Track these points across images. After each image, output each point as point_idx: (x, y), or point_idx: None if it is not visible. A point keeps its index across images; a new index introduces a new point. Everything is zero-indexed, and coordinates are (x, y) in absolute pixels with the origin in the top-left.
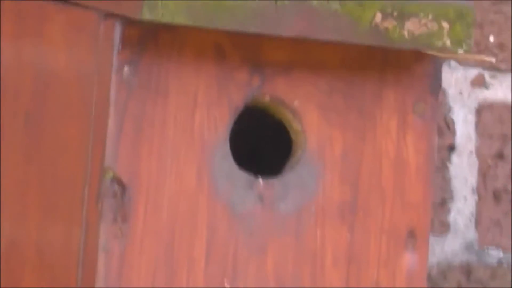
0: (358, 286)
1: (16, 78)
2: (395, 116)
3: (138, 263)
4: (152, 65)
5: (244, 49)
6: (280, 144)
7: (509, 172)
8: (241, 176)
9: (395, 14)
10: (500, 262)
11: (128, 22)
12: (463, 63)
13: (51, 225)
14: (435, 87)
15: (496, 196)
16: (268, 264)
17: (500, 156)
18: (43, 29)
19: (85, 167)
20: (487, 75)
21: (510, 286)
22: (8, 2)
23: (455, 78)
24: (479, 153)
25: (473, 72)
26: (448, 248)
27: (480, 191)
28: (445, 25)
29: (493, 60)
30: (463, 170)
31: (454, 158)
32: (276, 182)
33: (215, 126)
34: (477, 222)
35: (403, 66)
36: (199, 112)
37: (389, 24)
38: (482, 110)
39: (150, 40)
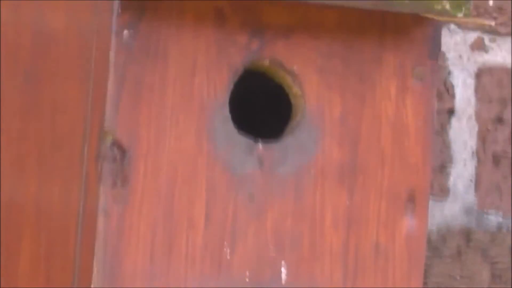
0: (357, 249)
1: (15, 37)
2: (394, 80)
3: (137, 225)
4: (151, 29)
5: (244, 13)
6: (280, 108)
7: (509, 135)
8: (241, 139)
9: None
10: (499, 226)
11: None
12: (462, 26)
13: (50, 184)
14: (435, 51)
15: (496, 160)
16: (268, 226)
17: (499, 120)
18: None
19: (84, 127)
20: (486, 38)
21: (509, 250)
22: None
23: (454, 42)
24: (478, 117)
25: (473, 36)
26: (448, 212)
27: (479, 155)
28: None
29: (493, 23)
30: (463, 134)
31: (454, 122)
32: (275, 146)
33: (214, 89)
34: (477, 186)
35: (402, 30)
36: (198, 75)
37: None
38: (481, 74)
39: (150, 4)
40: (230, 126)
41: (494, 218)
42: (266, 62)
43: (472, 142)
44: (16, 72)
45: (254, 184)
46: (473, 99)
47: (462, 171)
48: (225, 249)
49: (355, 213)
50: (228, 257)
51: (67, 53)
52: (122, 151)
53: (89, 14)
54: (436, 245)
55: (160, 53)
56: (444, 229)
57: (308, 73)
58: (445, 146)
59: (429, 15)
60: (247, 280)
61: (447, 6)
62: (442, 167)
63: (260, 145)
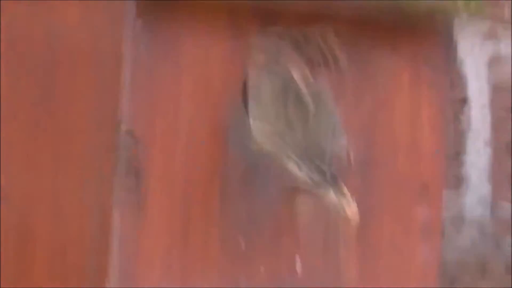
0: (372, 240)
1: (29, 33)
2: (407, 69)
3: (152, 219)
4: (165, 19)
5: (258, 4)
6: None
7: None
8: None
9: None
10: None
11: None
12: (475, 16)
13: (65, 178)
14: (448, 40)
15: (509, 149)
16: (283, 218)
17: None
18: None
19: (98, 120)
20: (499, 27)
21: None
22: None
23: (467, 31)
24: (491, 106)
25: (485, 25)
26: (462, 202)
27: (493, 144)
28: None
29: (505, 14)
30: (476, 123)
31: (467, 111)
32: None
33: (228, 80)
34: (490, 176)
35: (416, 20)
36: (212, 65)
37: None
38: (494, 63)
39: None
40: (245, 117)
41: (507, 207)
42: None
43: (485, 132)
44: (30, 67)
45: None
46: (486, 88)
47: (475, 160)
48: (240, 241)
49: (370, 204)
50: (244, 249)
51: (80, 46)
52: (136, 142)
53: (102, 5)
54: (450, 234)
55: (174, 43)
56: (458, 219)
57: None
58: (458, 136)
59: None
60: (262, 271)
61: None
62: (456, 157)
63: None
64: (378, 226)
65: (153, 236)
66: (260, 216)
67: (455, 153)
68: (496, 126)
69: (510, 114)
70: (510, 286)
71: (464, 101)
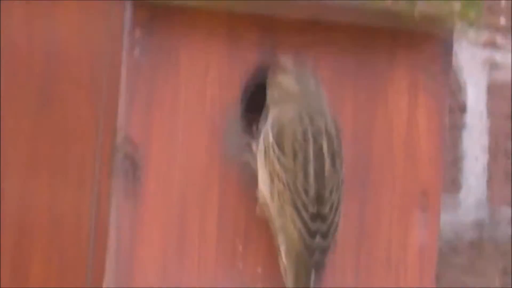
0: (369, 246)
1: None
2: (406, 77)
3: (149, 222)
4: (163, 28)
5: (256, 13)
6: None
7: None
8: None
9: None
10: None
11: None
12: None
13: (62, 184)
14: (447, 48)
15: (508, 155)
16: None
17: (511, 116)
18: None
19: (96, 128)
20: (498, 35)
21: None
22: None
23: (466, 40)
24: (490, 112)
25: (485, 34)
26: (460, 206)
27: (491, 150)
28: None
29: (504, 22)
30: (474, 130)
31: (466, 117)
32: None
33: (226, 89)
34: (489, 181)
35: (415, 27)
36: (211, 74)
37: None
38: (492, 70)
39: (162, 3)
40: (243, 126)
41: (506, 212)
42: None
43: (484, 138)
44: (28, 73)
45: None
46: (484, 95)
47: (474, 166)
48: (237, 244)
49: (368, 211)
50: (241, 251)
51: (79, 53)
52: (135, 149)
53: (101, 17)
54: (449, 239)
55: (172, 52)
56: (456, 224)
57: (321, 70)
58: (457, 141)
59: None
60: (259, 276)
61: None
62: (454, 162)
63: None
64: (376, 233)
65: (150, 239)
66: (259, 222)
67: (453, 159)
68: (494, 132)
69: (509, 121)
70: None
71: (462, 108)
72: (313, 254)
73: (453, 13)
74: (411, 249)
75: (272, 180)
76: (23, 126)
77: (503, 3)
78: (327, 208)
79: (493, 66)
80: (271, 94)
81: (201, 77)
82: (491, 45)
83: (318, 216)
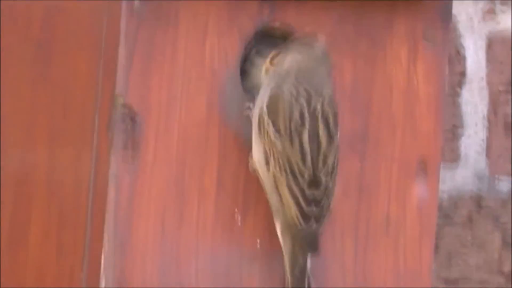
0: (369, 217)
1: (26, 7)
2: (405, 44)
3: (148, 191)
4: None
5: None
6: None
7: None
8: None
9: None
10: (510, 191)
11: None
12: None
13: (61, 152)
14: (446, 15)
15: (507, 124)
16: None
17: (510, 83)
18: None
19: (95, 95)
20: (497, 5)
21: None
22: None
23: (465, 9)
24: (489, 81)
25: (483, 3)
26: (459, 177)
27: (490, 119)
28: None
29: None
30: (474, 98)
31: (465, 86)
32: None
33: (225, 55)
34: (488, 152)
35: None
36: (209, 41)
37: None
38: (492, 37)
39: None
40: (241, 92)
41: (505, 183)
42: (277, 24)
43: (483, 106)
44: (27, 42)
45: None
46: (484, 63)
47: (473, 135)
48: (236, 216)
49: (366, 181)
50: (240, 224)
51: (78, 23)
52: (133, 116)
53: None
54: (447, 210)
55: (171, 19)
56: (455, 195)
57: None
58: (456, 110)
59: None
60: (258, 247)
61: None
62: (453, 131)
63: None
64: (375, 203)
65: (148, 211)
66: (257, 192)
67: (452, 128)
68: (494, 101)
69: (508, 89)
70: (509, 260)
71: (462, 76)
72: (309, 222)
73: None
74: (410, 207)
75: (266, 156)
76: (22, 85)
77: None
78: (322, 188)
79: (493, 35)
80: (276, 59)
81: (200, 44)
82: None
83: (313, 184)
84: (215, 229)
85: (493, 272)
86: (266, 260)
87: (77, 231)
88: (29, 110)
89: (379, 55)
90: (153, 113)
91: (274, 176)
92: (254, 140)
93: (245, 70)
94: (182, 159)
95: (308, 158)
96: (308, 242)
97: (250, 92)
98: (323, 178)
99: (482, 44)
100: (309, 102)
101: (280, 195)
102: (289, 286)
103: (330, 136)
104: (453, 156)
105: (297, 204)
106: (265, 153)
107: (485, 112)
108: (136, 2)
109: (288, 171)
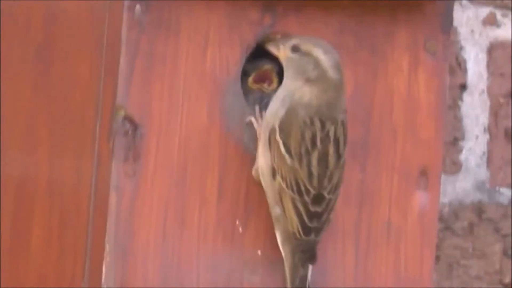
0: (370, 225)
1: (27, 12)
2: (406, 54)
3: (149, 201)
4: (163, 3)
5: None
6: None
7: None
8: (252, 115)
9: None
10: (511, 202)
11: None
12: (474, 2)
13: (62, 159)
14: (447, 25)
15: (508, 135)
16: None
17: (511, 94)
18: None
19: (96, 102)
20: (498, 13)
21: None
22: None
23: (466, 17)
24: (490, 92)
25: (485, 11)
26: (460, 187)
27: (491, 129)
28: None
29: None
30: (475, 109)
31: (466, 96)
32: None
33: (226, 64)
34: (489, 161)
35: (414, 4)
36: (210, 50)
37: None
38: (493, 48)
39: None
40: (242, 101)
41: (506, 193)
42: (278, 36)
43: (484, 117)
44: (27, 46)
45: None
46: (485, 74)
47: (474, 146)
48: (237, 224)
49: (367, 190)
50: (241, 231)
51: (79, 28)
52: (134, 125)
53: None
54: (448, 220)
55: (172, 27)
56: (456, 204)
57: None
58: (457, 121)
59: None
60: (259, 254)
61: None
62: (454, 142)
63: None
64: (376, 212)
65: (150, 220)
66: (258, 201)
67: (453, 139)
68: (495, 112)
69: (509, 100)
70: (510, 271)
71: (463, 86)
72: (310, 234)
73: None
74: (410, 215)
75: (274, 171)
76: (22, 89)
77: None
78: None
79: (494, 45)
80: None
81: (201, 52)
82: (492, 22)
83: (317, 200)
84: (216, 237)
85: (494, 282)
86: (267, 268)
87: (78, 236)
88: (30, 114)
89: (380, 65)
90: (154, 121)
91: (280, 190)
92: (261, 152)
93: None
94: (183, 168)
95: (315, 179)
96: (307, 253)
97: (250, 100)
98: (326, 196)
99: (482, 54)
100: (323, 128)
101: (283, 208)
102: None
103: (339, 156)
104: (454, 167)
105: (300, 219)
106: (272, 168)
107: (486, 122)
108: (137, 7)
109: (294, 188)
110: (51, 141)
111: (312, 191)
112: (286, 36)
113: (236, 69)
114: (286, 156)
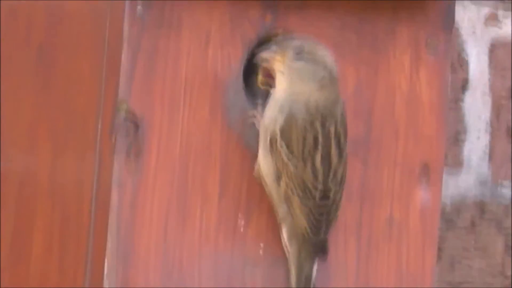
0: (371, 221)
1: (29, 11)
2: (408, 52)
3: (151, 198)
4: (165, 1)
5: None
6: None
7: None
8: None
9: None
10: None
11: None
12: (476, 1)
13: (64, 157)
14: (448, 23)
15: (509, 132)
16: None
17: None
18: None
19: (98, 101)
20: (499, 12)
21: None
22: None
23: (468, 16)
24: (492, 89)
25: (486, 9)
26: (462, 184)
27: (493, 126)
28: None
29: None
30: (477, 106)
31: (468, 94)
32: None
33: (228, 62)
34: (491, 158)
35: (416, 2)
36: (212, 47)
37: None
38: (495, 46)
39: None
40: (244, 98)
41: (508, 189)
42: (280, 31)
43: (486, 114)
44: (29, 45)
45: None
46: (486, 71)
47: (476, 143)
48: (239, 221)
49: (369, 187)
50: (242, 229)
51: (81, 27)
52: (136, 123)
53: None
54: (450, 216)
55: (173, 25)
56: (458, 201)
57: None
58: (459, 118)
59: None
60: (261, 252)
61: None
62: (456, 139)
63: None
64: (377, 208)
65: (151, 217)
66: (260, 198)
67: (455, 136)
68: (497, 107)
69: (510, 97)
70: (510, 268)
71: (465, 84)
72: (319, 232)
73: None
74: (412, 211)
75: (278, 173)
76: (24, 89)
77: None
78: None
79: (496, 43)
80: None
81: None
82: (494, 19)
83: (324, 195)
84: (218, 234)
85: (496, 276)
86: (269, 266)
87: (80, 236)
88: (31, 113)
89: (382, 62)
90: (156, 119)
91: (286, 191)
92: (263, 154)
93: (247, 76)
94: (185, 165)
95: (320, 176)
96: (317, 248)
97: (253, 97)
98: (332, 189)
99: (484, 50)
100: (323, 125)
101: (289, 206)
102: None
103: (340, 152)
104: (456, 162)
105: (308, 217)
106: (277, 170)
107: (488, 118)
108: (138, 8)
109: (301, 188)
110: (53, 139)
111: (319, 187)
112: (286, 32)
113: (237, 66)
114: (290, 163)
